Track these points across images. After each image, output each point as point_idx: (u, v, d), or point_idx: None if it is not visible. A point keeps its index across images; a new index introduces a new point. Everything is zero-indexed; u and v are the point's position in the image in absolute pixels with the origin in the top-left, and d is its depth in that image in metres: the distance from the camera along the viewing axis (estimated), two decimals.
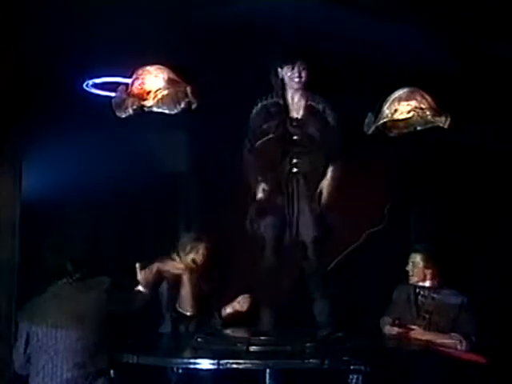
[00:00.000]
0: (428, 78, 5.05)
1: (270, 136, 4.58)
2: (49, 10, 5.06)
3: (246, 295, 5.19)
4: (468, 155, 6.28)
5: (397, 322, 5.12)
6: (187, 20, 5.26)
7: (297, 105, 4.66)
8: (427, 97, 4.74)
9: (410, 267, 5.31)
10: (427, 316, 5.13)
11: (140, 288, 4.51)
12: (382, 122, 4.74)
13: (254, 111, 4.67)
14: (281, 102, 4.65)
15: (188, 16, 5.23)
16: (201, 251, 5.23)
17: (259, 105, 4.67)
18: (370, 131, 4.75)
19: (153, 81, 4.60)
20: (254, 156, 4.63)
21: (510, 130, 6.06)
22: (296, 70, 4.61)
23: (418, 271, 5.25)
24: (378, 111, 4.76)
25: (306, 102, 4.64)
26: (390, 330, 5.12)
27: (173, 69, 4.65)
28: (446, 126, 4.69)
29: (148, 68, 4.63)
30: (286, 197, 4.54)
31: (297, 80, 4.61)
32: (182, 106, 4.62)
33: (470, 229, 6.28)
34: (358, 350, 4.28)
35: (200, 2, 5.20)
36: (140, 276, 4.53)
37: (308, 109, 4.63)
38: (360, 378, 3.97)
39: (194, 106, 4.61)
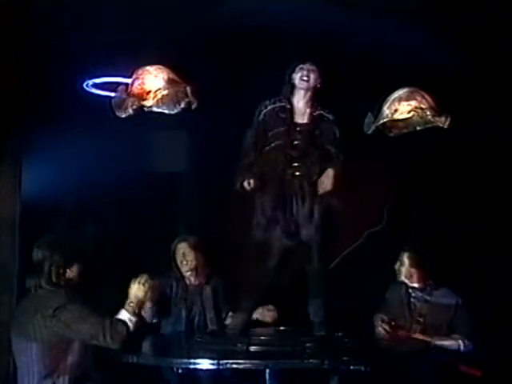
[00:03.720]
0: (428, 78, 5.05)
1: (277, 143, 4.57)
2: (49, 10, 5.06)
3: (271, 307, 5.15)
4: (468, 155, 6.28)
5: (393, 323, 5.12)
6: (187, 20, 5.26)
7: (302, 110, 4.65)
8: (427, 97, 4.74)
9: (397, 266, 5.32)
10: (421, 319, 5.13)
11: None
12: (382, 121, 4.74)
13: (262, 114, 4.65)
14: (288, 106, 4.63)
15: (188, 16, 5.24)
16: (185, 251, 5.34)
17: (268, 108, 4.65)
18: (370, 131, 4.75)
19: (153, 81, 4.60)
20: (255, 159, 4.61)
21: (510, 130, 6.05)
22: (305, 70, 4.61)
23: (405, 270, 5.26)
24: (378, 111, 4.76)
25: (315, 109, 4.64)
26: (381, 330, 5.11)
27: (173, 69, 4.65)
28: (445, 126, 4.69)
29: (148, 68, 4.63)
30: (287, 200, 4.53)
31: (305, 79, 4.61)
32: (182, 105, 4.62)
33: (470, 228, 6.28)
34: (357, 349, 4.28)
35: (200, 2, 5.21)
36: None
37: (316, 117, 4.63)
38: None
39: (194, 106, 4.61)
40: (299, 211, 4.52)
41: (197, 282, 5.37)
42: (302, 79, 4.61)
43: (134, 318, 4.10)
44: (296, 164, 4.56)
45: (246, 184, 4.54)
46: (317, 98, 4.66)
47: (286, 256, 4.55)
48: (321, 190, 4.52)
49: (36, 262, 4.22)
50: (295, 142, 4.58)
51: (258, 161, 4.60)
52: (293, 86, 4.66)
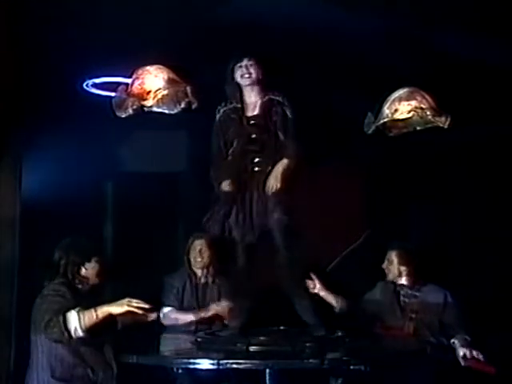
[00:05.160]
0: (428, 78, 5.05)
1: (236, 143, 4.54)
2: (49, 9, 5.06)
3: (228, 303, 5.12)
4: (468, 155, 6.29)
5: (385, 325, 5.13)
6: (187, 20, 5.26)
7: (253, 103, 4.62)
8: (427, 97, 4.74)
9: (385, 265, 5.32)
10: (414, 316, 5.13)
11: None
12: (382, 122, 4.74)
13: (217, 120, 4.64)
14: (239, 105, 4.62)
15: (188, 16, 5.24)
16: (200, 248, 5.35)
17: (221, 111, 4.64)
18: (370, 131, 4.75)
19: (153, 81, 4.60)
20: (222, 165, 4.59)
21: (510, 130, 6.06)
22: (244, 67, 4.58)
23: (393, 268, 5.26)
24: (377, 111, 4.76)
25: (264, 97, 4.61)
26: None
27: (173, 69, 4.65)
28: (445, 126, 4.69)
29: (148, 68, 4.63)
30: (249, 195, 4.50)
31: (247, 76, 4.57)
32: (182, 105, 4.62)
33: (471, 229, 6.29)
34: (357, 349, 4.28)
35: (200, 2, 5.21)
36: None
37: (265, 103, 4.59)
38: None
39: (194, 106, 4.61)
40: (257, 209, 4.47)
41: (205, 280, 5.39)
42: (244, 77, 4.59)
43: (80, 330, 3.96)
44: (257, 159, 4.52)
45: (224, 186, 4.51)
46: (266, 87, 4.63)
47: (253, 254, 4.51)
48: (269, 191, 4.45)
49: (53, 262, 4.23)
50: (252, 136, 4.54)
51: (225, 166, 4.56)
52: (238, 85, 4.63)
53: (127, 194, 6.06)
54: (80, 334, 3.97)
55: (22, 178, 5.40)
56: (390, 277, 5.27)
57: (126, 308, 4.01)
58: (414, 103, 4.71)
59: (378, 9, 5.21)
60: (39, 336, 4.06)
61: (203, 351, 4.27)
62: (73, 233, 4.31)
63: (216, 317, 5.20)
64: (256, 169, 4.51)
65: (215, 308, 5.22)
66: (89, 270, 4.24)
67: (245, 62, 4.59)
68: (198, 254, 5.38)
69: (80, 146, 5.74)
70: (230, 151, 4.57)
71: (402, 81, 4.86)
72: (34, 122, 5.40)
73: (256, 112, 4.60)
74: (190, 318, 5.23)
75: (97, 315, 3.98)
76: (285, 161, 4.47)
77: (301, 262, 4.55)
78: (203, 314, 5.20)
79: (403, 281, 5.23)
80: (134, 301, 4.04)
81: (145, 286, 5.31)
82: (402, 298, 5.21)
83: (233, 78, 4.64)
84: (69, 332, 3.95)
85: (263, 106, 4.59)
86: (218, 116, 4.65)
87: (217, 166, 4.58)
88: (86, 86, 5.73)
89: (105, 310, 4.00)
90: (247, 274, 4.55)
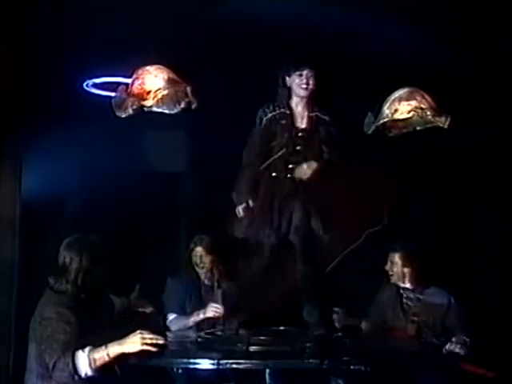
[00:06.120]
0: (428, 78, 5.05)
1: (281, 152, 4.52)
2: (49, 9, 5.06)
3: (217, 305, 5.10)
4: (468, 155, 6.28)
5: (388, 326, 5.13)
6: (188, 20, 5.26)
7: (301, 114, 4.60)
8: (427, 97, 4.74)
9: (388, 266, 5.30)
10: (416, 318, 5.12)
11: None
12: (382, 122, 4.74)
13: (264, 122, 4.58)
14: (288, 111, 4.58)
15: (188, 16, 5.24)
16: (199, 249, 5.29)
17: (269, 115, 4.58)
18: (370, 131, 4.75)
19: (153, 81, 4.60)
20: (254, 173, 4.56)
21: (509, 130, 6.06)
22: (304, 77, 4.55)
23: (397, 270, 5.25)
24: (377, 111, 4.76)
25: (311, 111, 4.60)
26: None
27: (173, 69, 4.65)
28: (445, 126, 4.69)
29: (148, 68, 4.63)
30: (279, 200, 4.50)
31: (304, 87, 4.55)
32: (182, 105, 4.61)
33: (471, 228, 6.28)
34: (357, 350, 4.28)
35: (200, 2, 5.21)
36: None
37: (313, 119, 4.58)
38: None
39: (194, 106, 4.61)
40: (292, 211, 4.49)
41: (209, 283, 5.38)
42: (302, 87, 4.55)
43: (91, 371, 3.72)
44: (291, 166, 4.53)
45: (238, 209, 4.53)
46: (314, 100, 4.63)
47: (276, 256, 4.52)
48: (297, 175, 4.46)
49: (61, 264, 3.99)
50: (297, 148, 4.55)
51: (251, 182, 4.55)
52: (289, 90, 4.61)
53: (127, 193, 6.05)
54: (90, 374, 3.74)
55: (21, 177, 5.40)
56: (394, 279, 5.25)
57: (139, 347, 3.72)
58: (413, 103, 4.71)
59: (378, 9, 5.21)
60: (36, 348, 3.89)
61: (203, 351, 4.26)
62: (73, 233, 4.29)
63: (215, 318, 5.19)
64: (288, 175, 4.50)
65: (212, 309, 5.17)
66: (97, 276, 3.99)
67: (306, 72, 4.54)
68: (200, 260, 5.36)
69: (80, 146, 5.73)
70: (271, 160, 4.52)
71: (402, 81, 4.86)
72: (34, 122, 5.39)
73: (304, 125, 4.57)
74: (192, 321, 5.20)
75: (108, 355, 3.72)
76: (315, 162, 4.49)
77: (317, 274, 4.57)
78: (202, 315, 5.18)
79: (407, 284, 5.22)
80: (148, 336, 3.73)
81: (145, 286, 5.31)
82: (404, 300, 5.21)
83: (285, 83, 4.59)
84: (78, 374, 3.72)
85: (311, 122, 4.57)
86: (263, 118, 4.58)
87: (244, 180, 4.56)
88: (86, 85, 5.72)
89: (117, 350, 3.73)
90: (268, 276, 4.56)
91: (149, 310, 4.44)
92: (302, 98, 4.59)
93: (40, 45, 5.25)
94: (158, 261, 5.95)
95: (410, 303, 5.19)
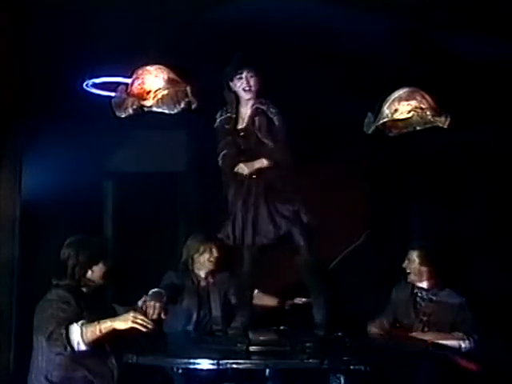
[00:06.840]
0: (428, 78, 5.06)
1: (224, 152, 4.55)
2: (49, 10, 5.06)
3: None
4: (469, 155, 6.29)
5: (397, 325, 5.12)
6: (188, 20, 5.26)
7: (245, 114, 4.59)
8: (427, 97, 4.74)
9: (406, 264, 5.28)
10: (425, 318, 5.12)
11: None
12: (381, 121, 4.74)
13: (215, 129, 4.63)
14: (233, 115, 4.58)
15: (188, 16, 5.24)
16: (214, 250, 5.23)
17: (217, 121, 4.62)
18: (370, 131, 4.75)
19: (153, 81, 4.59)
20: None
21: (509, 130, 6.06)
22: (244, 79, 4.53)
23: (415, 269, 5.23)
24: (377, 111, 4.76)
25: (252, 106, 4.56)
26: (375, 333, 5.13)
27: (173, 69, 4.64)
28: (445, 126, 4.69)
29: (148, 68, 4.63)
30: (244, 204, 4.50)
31: (247, 89, 4.53)
32: (182, 105, 4.61)
33: (471, 228, 6.29)
34: (357, 349, 4.28)
35: (200, 3, 5.21)
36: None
37: (252, 113, 4.55)
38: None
39: (194, 106, 4.61)
40: (256, 212, 4.48)
41: (205, 284, 5.34)
42: (245, 89, 4.53)
43: (83, 344, 3.90)
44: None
45: (240, 169, 4.51)
46: (258, 95, 4.58)
47: (259, 256, 4.51)
48: (239, 171, 4.49)
49: (61, 261, 4.15)
50: (242, 148, 4.54)
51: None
52: (235, 94, 4.59)
53: (127, 193, 6.06)
54: (82, 347, 3.91)
55: (21, 177, 5.40)
56: (411, 277, 5.23)
57: (130, 324, 3.90)
58: (413, 103, 4.71)
59: (378, 9, 5.21)
60: (40, 340, 4.01)
61: (203, 351, 4.27)
62: (73, 233, 4.29)
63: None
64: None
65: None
66: (95, 273, 4.16)
67: (245, 74, 4.53)
68: (207, 260, 5.30)
69: (80, 146, 5.74)
70: (220, 163, 4.59)
71: (401, 81, 4.86)
72: (34, 122, 5.40)
73: (244, 124, 4.57)
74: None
75: (100, 330, 3.90)
76: (264, 161, 4.48)
77: (320, 262, 4.57)
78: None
79: (423, 283, 5.20)
80: (140, 317, 3.95)
81: (145, 286, 5.30)
82: (418, 299, 5.20)
83: (230, 88, 4.59)
84: (71, 345, 3.90)
85: (250, 116, 4.56)
86: (215, 125, 4.64)
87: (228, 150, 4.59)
88: (86, 85, 5.73)
89: (108, 326, 3.91)
90: (253, 277, 4.55)
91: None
92: (247, 100, 4.58)
93: (40, 45, 5.25)
94: (158, 261, 5.95)
95: (422, 302, 5.18)
